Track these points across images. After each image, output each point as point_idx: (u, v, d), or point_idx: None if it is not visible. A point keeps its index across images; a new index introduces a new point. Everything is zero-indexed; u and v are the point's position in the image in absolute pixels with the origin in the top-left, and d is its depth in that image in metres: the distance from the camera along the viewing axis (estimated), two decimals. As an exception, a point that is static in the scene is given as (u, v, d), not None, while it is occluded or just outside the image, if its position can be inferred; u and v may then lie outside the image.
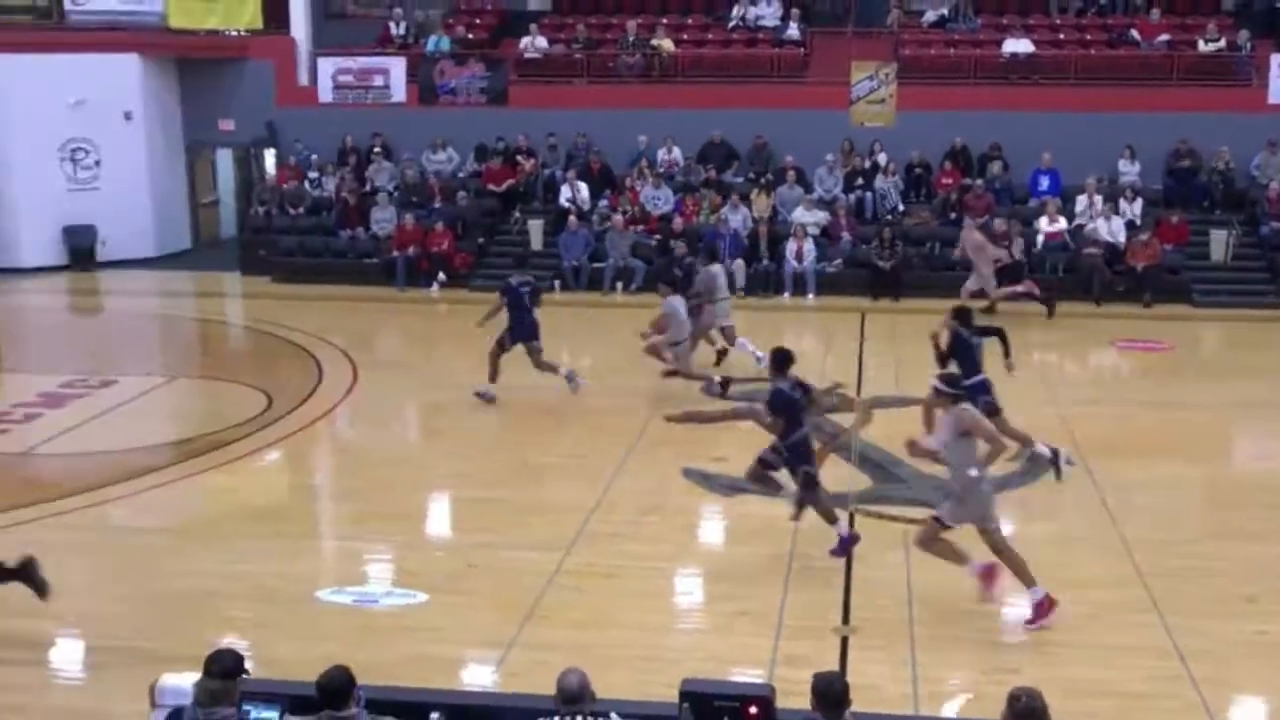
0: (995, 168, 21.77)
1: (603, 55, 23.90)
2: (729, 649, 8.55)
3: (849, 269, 20.63)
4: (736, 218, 21.10)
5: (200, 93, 24.33)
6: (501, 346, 14.20)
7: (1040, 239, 20.50)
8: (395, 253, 21.24)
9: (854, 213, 21.48)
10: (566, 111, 22.89)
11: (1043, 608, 8.77)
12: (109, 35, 22.95)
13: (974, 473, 8.72)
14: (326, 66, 23.64)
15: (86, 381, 15.56)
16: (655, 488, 11.81)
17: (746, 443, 12.83)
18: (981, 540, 8.91)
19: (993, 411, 11.27)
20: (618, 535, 10.51)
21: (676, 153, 22.75)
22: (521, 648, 8.52)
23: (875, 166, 22.10)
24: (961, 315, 12.14)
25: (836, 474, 11.92)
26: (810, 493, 9.99)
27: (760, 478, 10.24)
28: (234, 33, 24.41)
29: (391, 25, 25.12)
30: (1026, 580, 8.82)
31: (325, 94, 23.56)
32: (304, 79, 24.15)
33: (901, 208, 21.59)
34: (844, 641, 8.66)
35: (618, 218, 21.08)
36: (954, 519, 8.90)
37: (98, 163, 23.07)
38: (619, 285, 20.78)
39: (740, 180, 22.39)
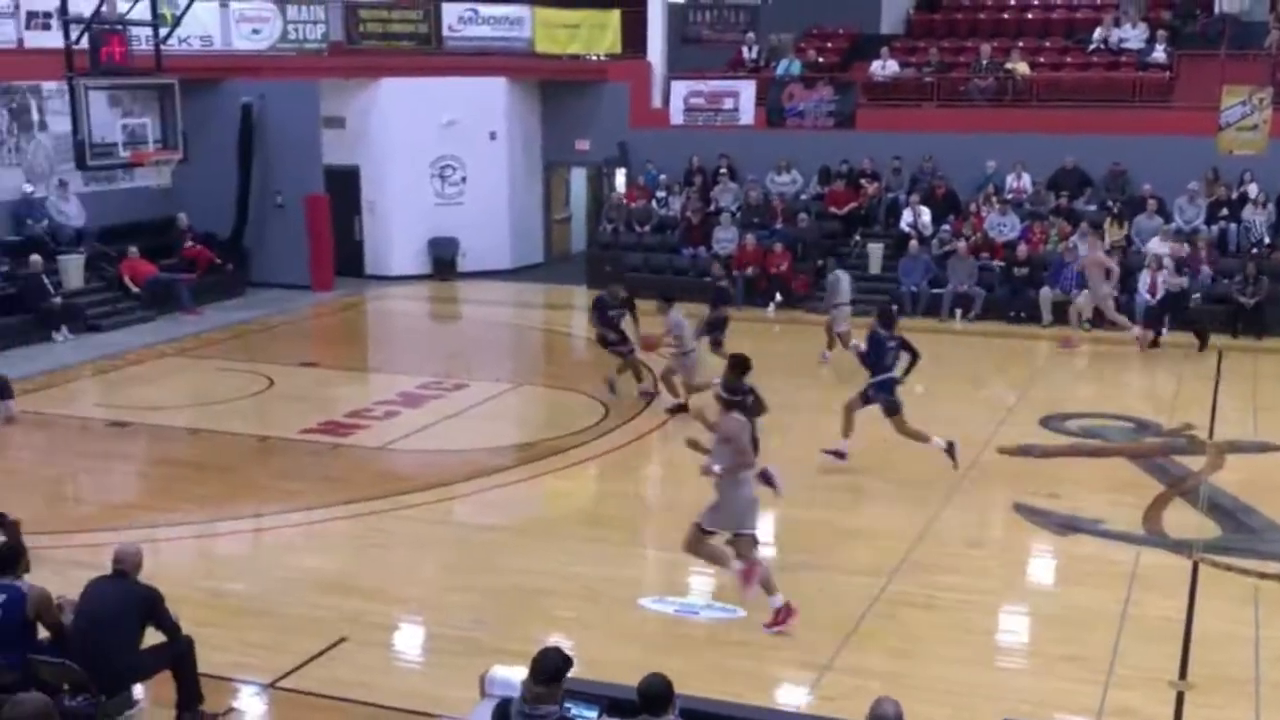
0: (1381, 200, 20.11)
1: (953, 79, 23.51)
2: (1052, 693, 8.26)
3: (1207, 304, 19.47)
4: (1086, 247, 20.28)
5: (559, 114, 25.43)
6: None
7: None
8: (735, 272, 21.56)
9: (1216, 245, 20.29)
10: (913, 135, 22.62)
11: (780, 614, 8.98)
12: (480, 60, 24.31)
13: (716, 469, 9.00)
14: (679, 89, 24.24)
15: (441, 384, 16.56)
16: (983, 521, 11.56)
17: (1082, 481, 12.41)
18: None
19: (892, 410, 12.43)
20: (940, 566, 10.32)
21: (1025, 179, 22.09)
22: (837, 672, 8.50)
23: (1244, 197, 20.78)
24: (882, 316, 12.83)
25: (1184, 520, 11.34)
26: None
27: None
28: (594, 57, 25.43)
29: (744, 49, 25.54)
30: (770, 589, 9.02)
31: (676, 116, 24.16)
32: (657, 101, 24.85)
33: (1268, 241, 20.22)
34: (1179, 696, 8.21)
35: (961, 244, 20.67)
36: (712, 524, 9.14)
37: (463, 179, 24.47)
38: (958, 312, 20.40)
39: (1093, 208, 21.53)
